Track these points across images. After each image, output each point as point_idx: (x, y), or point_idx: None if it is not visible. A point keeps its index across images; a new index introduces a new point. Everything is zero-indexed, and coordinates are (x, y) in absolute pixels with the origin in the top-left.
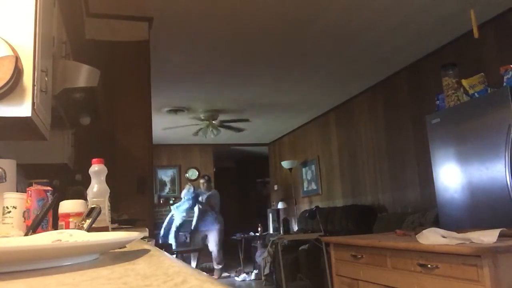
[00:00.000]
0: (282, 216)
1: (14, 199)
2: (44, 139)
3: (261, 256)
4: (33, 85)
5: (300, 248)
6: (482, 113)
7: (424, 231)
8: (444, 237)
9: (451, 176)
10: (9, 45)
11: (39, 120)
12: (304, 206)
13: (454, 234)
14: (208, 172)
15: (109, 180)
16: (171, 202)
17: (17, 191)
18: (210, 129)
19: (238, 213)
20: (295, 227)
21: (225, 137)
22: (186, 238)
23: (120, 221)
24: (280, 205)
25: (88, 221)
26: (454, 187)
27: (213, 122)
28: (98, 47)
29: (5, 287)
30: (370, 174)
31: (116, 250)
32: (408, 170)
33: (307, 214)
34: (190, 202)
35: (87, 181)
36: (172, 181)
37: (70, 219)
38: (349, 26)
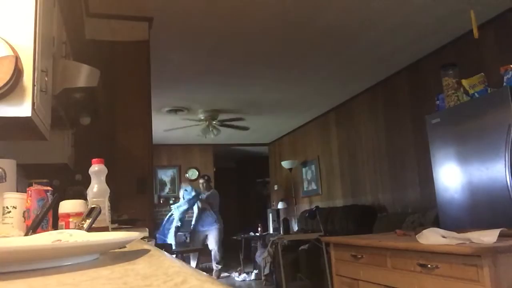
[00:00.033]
0: (282, 216)
1: (14, 199)
2: (44, 139)
3: (261, 256)
4: (33, 85)
5: (300, 248)
6: (482, 113)
7: (424, 231)
8: (444, 237)
9: (451, 176)
10: (9, 45)
11: (39, 120)
12: (304, 206)
13: (454, 234)
14: (208, 172)
15: (109, 180)
16: (171, 202)
17: (17, 191)
18: (210, 129)
19: (238, 213)
20: (295, 227)
21: (225, 137)
22: (186, 238)
23: (120, 221)
24: (280, 205)
25: (88, 221)
26: (454, 187)
27: (213, 122)
28: (98, 47)
29: (5, 287)
30: (370, 174)
31: (116, 250)
32: (408, 170)
33: (307, 214)
34: (191, 202)
35: (87, 181)
36: (172, 181)
37: (70, 219)
38: (349, 26)
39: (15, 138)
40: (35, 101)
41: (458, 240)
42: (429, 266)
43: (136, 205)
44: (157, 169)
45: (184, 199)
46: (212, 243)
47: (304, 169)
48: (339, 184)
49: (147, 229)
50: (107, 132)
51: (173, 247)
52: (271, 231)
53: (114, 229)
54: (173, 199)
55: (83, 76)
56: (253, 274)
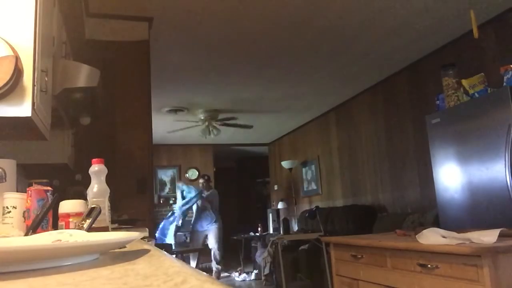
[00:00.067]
0: (282, 216)
1: (14, 199)
2: (44, 139)
3: (261, 256)
4: (33, 85)
5: (300, 248)
6: (482, 113)
7: (424, 231)
8: (444, 237)
9: (451, 176)
10: (9, 45)
11: (39, 120)
12: (304, 206)
13: (454, 234)
14: (208, 172)
15: (109, 180)
16: (171, 202)
17: (17, 191)
18: (210, 129)
19: (238, 213)
20: (295, 227)
21: (225, 137)
22: (186, 238)
23: (120, 221)
24: (280, 205)
25: (88, 221)
26: (454, 187)
27: (213, 122)
28: (98, 47)
29: (5, 287)
30: (370, 174)
31: (116, 250)
32: (408, 170)
33: (307, 214)
34: (194, 199)
35: (87, 181)
36: (172, 181)
37: (70, 219)
38: (349, 26)
39: (15, 138)
40: (35, 101)
41: (458, 240)
42: (429, 266)
43: (136, 205)
44: (157, 169)
45: (184, 197)
46: (212, 242)
47: (304, 169)
48: (339, 184)
49: (147, 229)
50: (107, 132)
51: (173, 247)
52: (271, 231)
53: (114, 229)
54: (173, 199)
55: (83, 76)
56: (253, 274)
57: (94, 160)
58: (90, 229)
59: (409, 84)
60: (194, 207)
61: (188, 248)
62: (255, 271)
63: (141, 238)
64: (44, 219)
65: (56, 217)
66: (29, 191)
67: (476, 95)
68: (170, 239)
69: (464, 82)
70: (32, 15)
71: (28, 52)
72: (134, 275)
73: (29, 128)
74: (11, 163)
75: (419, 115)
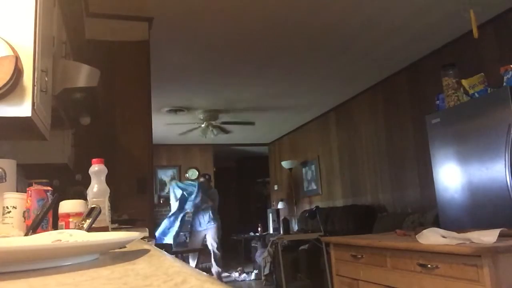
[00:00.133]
0: (282, 216)
1: (14, 199)
2: (44, 139)
3: (261, 256)
4: (33, 85)
5: (300, 248)
6: (482, 113)
7: (424, 231)
8: (444, 237)
9: (451, 176)
10: (9, 45)
11: (39, 120)
12: (304, 206)
13: (454, 234)
14: (208, 172)
15: (109, 180)
16: (171, 202)
17: (17, 191)
18: (210, 129)
19: (238, 213)
20: (295, 227)
21: (225, 137)
22: (186, 238)
23: (120, 221)
24: (280, 205)
25: (88, 221)
26: (454, 187)
27: (213, 122)
28: (98, 47)
29: (5, 287)
30: (370, 174)
31: (116, 250)
32: (408, 170)
33: (307, 214)
34: (196, 194)
35: (87, 181)
36: (172, 181)
37: (70, 219)
38: (349, 26)
39: (15, 138)
40: (35, 101)
41: (458, 240)
42: (429, 266)
43: (136, 205)
44: (157, 169)
45: (184, 195)
46: (210, 242)
47: (304, 169)
48: (339, 184)
49: (147, 229)
50: (107, 132)
51: (172, 247)
52: (271, 231)
53: (114, 229)
54: None
55: (83, 76)
56: (253, 274)
57: (94, 160)
58: (90, 229)
59: (409, 84)
60: (192, 207)
61: (188, 248)
62: (255, 271)
63: (141, 238)
64: (44, 219)
65: (56, 217)
66: (29, 191)
67: (476, 95)
68: (170, 239)
69: (464, 82)
70: (32, 15)
71: (28, 52)
72: (134, 275)
73: (29, 128)
74: (11, 163)
75: (419, 115)
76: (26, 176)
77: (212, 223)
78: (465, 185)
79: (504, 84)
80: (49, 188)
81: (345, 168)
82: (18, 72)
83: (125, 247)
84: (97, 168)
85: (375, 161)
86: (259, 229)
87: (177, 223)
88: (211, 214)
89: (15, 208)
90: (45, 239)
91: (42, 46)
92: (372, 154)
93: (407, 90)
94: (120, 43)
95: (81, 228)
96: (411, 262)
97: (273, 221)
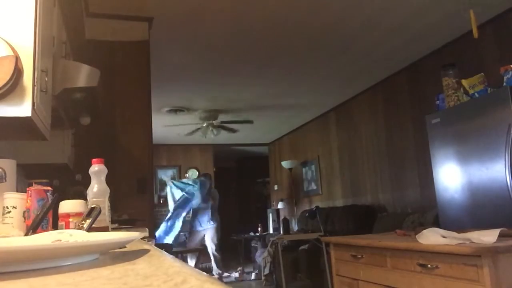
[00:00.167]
0: (282, 216)
1: (14, 199)
2: (44, 139)
3: (261, 256)
4: (33, 85)
5: (300, 248)
6: (482, 113)
7: (424, 231)
8: (444, 237)
9: (451, 176)
10: (9, 45)
11: (39, 120)
12: (304, 206)
13: (454, 234)
14: (208, 172)
15: (109, 180)
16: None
17: (17, 191)
18: (210, 129)
19: (238, 213)
20: (295, 227)
21: (225, 137)
22: (186, 238)
23: (120, 221)
24: (280, 205)
25: (88, 221)
26: (454, 187)
27: (213, 122)
28: (98, 47)
29: (5, 287)
30: (370, 174)
31: (116, 250)
32: (408, 170)
33: (307, 214)
34: (203, 191)
35: (87, 181)
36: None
37: (70, 219)
38: (349, 26)
39: (15, 138)
40: (35, 101)
41: (458, 240)
42: (429, 266)
43: (136, 205)
44: (157, 169)
45: (186, 195)
46: (209, 242)
47: (304, 169)
48: (339, 184)
49: (147, 229)
50: (107, 132)
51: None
52: (271, 231)
53: (114, 229)
54: None
55: (83, 76)
56: (253, 274)
57: (94, 160)
58: (90, 229)
59: (409, 84)
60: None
61: (188, 248)
62: (255, 271)
63: (141, 238)
64: (44, 219)
65: (56, 217)
66: (29, 191)
67: (476, 95)
68: (171, 238)
69: (464, 82)
70: (32, 15)
71: (28, 52)
72: (134, 275)
73: (29, 128)
74: (11, 163)
75: (419, 115)
76: (26, 176)
77: (212, 223)
78: (465, 185)
79: (504, 84)
80: (49, 188)
81: (345, 168)
82: (18, 72)
83: (125, 247)
84: (97, 168)
85: (375, 161)
86: (259, 229)
87: (179, 223)
88: (210, 214)
89: (15, 208)
90: (45, 239)
91: (42, 46)
92: (372, 154)
93: (407, 90)
94: (120, 43)
95: (81, 228)
96: (411, 262)
97: (273, 221)
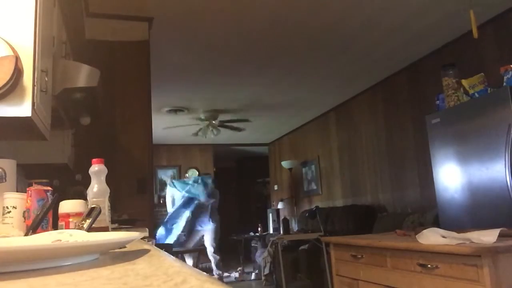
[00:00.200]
0: (282, 216)
1: (14, 199)
2: (44, 139)
3: (261, 256)
4: (33, 85)
5: (300, 248)
6: (482, 113)
7: (424, 231)
8: (444, 237)
9: (451, 176)
10: (9, 45)
11: (39, 120)
12: (304, 206)
13: (454, 234)
14: (208, 172)
15: (109, 180)
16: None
17: (17, 191)
18: (210, 129)
19: (238, 213)
20: (295, 227)
21: (225, 137)
22: (186, 238)
23: (120, 221)
24: (280, 205)
25: (88, 221)
26: (454, 187)
27: (213, 122)
28: (98, 47)
29: (5, 287)
30: (370, 174)
31: (116, 250)
32: (408, 170)
33: (307, 214)
34: (208, 189)
35: (87, 181)
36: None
37: (70, 219)
38: (349, 26)
39: (15, 138)
40: (35, 101)
41: (458, 240)
42: (429, 266)
43: (136, 205)
44: (157, 169)
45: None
46: (208, 242)
47: (304, 169)
48: (339, 184)
49: (147, 229)
50: (107, 132)
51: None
52: (271, 231)
53: (114, 229)
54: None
55: (83, 76)
56: (253, 274)
57: (94, 160)
58: (90, 229)
59: (409, 84)
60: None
61: (188, 248)
62: (255, 271)
63: (141, 238)
64: (44, 219)
65: (56, 217)
66: (29, 191)
67: (476, 95)
68: (170, 239)
69: (464, 82)
70: (32, 15)
71: (28, 52)
72: (134, 275)
73: (29, 128)
74: (11, 163)
75: (419, 115)
76: (26, 176)
77: (211, 223)
78: (465, 185)
79: (504, 84)
80: (49, 188)
81: (345, 168)
82: (18, 72)
83: (125, 247)
84: (97, 168)
85: (375, 161)
86: (259, 229)
87: (182, 223)
88: (210, 214)
89: (15, 208)
90: (45, 239)
91: (42, 46)
92: (372, 154)
93: (407, 90)
94: (120, 43)
95: (81, 228)
96: (411, 262)
97: (273, 221)
